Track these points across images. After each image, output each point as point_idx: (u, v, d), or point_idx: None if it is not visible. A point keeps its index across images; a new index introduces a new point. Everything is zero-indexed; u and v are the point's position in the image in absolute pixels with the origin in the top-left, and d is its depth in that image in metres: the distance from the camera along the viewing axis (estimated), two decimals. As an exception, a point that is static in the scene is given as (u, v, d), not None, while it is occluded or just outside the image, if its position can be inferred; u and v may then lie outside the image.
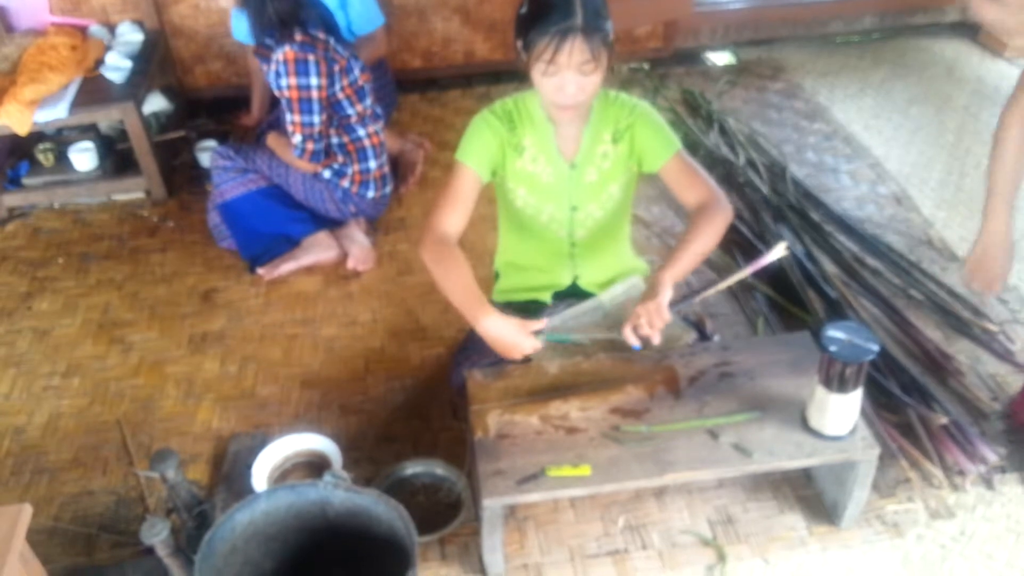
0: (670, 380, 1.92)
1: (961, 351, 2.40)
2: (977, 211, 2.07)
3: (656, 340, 1.77)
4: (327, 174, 2.76)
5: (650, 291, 1.79)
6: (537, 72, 1.74)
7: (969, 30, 4.10)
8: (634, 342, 1.79)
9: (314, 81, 2.54)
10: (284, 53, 2.50)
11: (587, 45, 1.67)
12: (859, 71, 3.90)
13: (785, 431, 1.80)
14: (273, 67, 2.54)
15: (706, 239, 1.83)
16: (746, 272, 1.89)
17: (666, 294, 1.76)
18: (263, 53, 2.61)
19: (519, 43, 1.75)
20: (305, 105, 2.56)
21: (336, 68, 2.59)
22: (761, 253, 1.87)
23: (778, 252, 1.84)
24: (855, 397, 1.72)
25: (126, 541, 2.01)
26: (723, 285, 1.90)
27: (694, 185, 1.88)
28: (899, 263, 2.69)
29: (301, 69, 2.51)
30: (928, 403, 2.17)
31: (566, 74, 1.71)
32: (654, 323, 1.76)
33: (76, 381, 2.48)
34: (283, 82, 2.53)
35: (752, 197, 2.98)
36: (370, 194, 2.84)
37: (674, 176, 1.90)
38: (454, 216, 1.88)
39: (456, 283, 1.81)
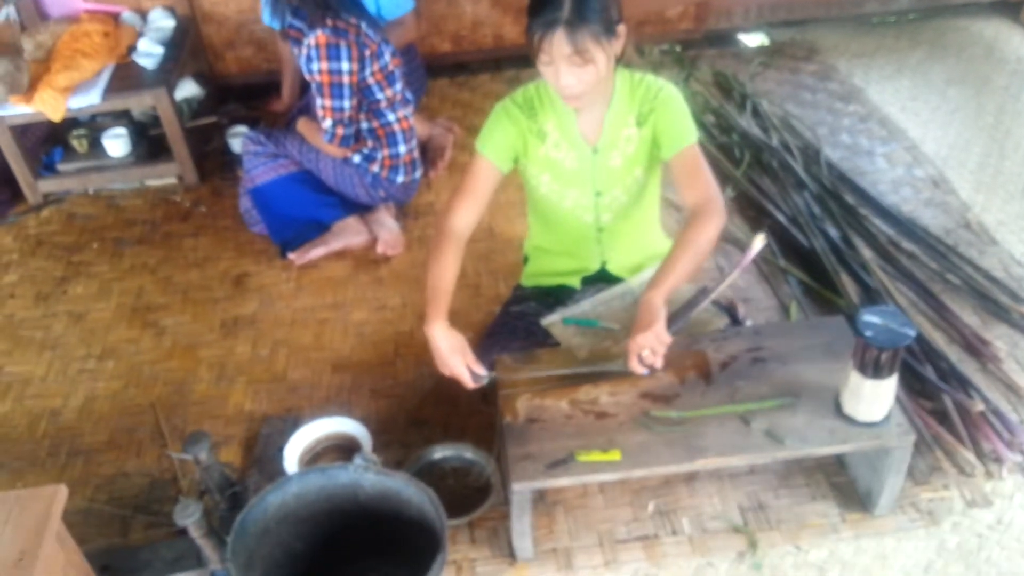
0: (701, 365, 1.90)
1: (999, 336, 2.35)
2: (1018, 193, 2.02)
3: (659, 365, 1.77)
4: (357, 159, 2.77)
5: (644, 317, 1.74)
6: (538, 62, 1.74)
7: (1010, 9, 4.00)
8: (640, 371, 1.78)
9: (345, 66, 2.54)
10: (316, 37, 2.50)
11: (570, 39, 1.65)
12: (895, 52, 3.82)
13: (818, 417, 1.78)
14: (304, 51, 2.55)
15: (696, 250, 1.77)
16: (734, 275, 1.89)
17: (662, 319, 1.73)
18: (295, 36, 2.61)
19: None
20: (336, 90, 2.56)
21: (367, 53, 2.59)
22: (744, 249, 1.86)
23: (758, 245, 1.84)
24: (890, 383, 1.69)
25: (160, 522, 2.04)
26: (714, 295, 1.90)
27: (696, 183, 1.83)
28: (936, 247, 2.64)
29: (333, 54, 2.51)
30: (965, 389, 2.13)
31: (559, 66, 1.70)
32: (657, 350, 1.74)
33: (111, 364, 2.51)
34: (314, 66, 2.53)
35: (786, 180, 2.94)
36: (400, 179, 2.84)
37: (680, 168, 1.86)
38: (465, 210, 1.90)
39: (432, 279, 1.83)
